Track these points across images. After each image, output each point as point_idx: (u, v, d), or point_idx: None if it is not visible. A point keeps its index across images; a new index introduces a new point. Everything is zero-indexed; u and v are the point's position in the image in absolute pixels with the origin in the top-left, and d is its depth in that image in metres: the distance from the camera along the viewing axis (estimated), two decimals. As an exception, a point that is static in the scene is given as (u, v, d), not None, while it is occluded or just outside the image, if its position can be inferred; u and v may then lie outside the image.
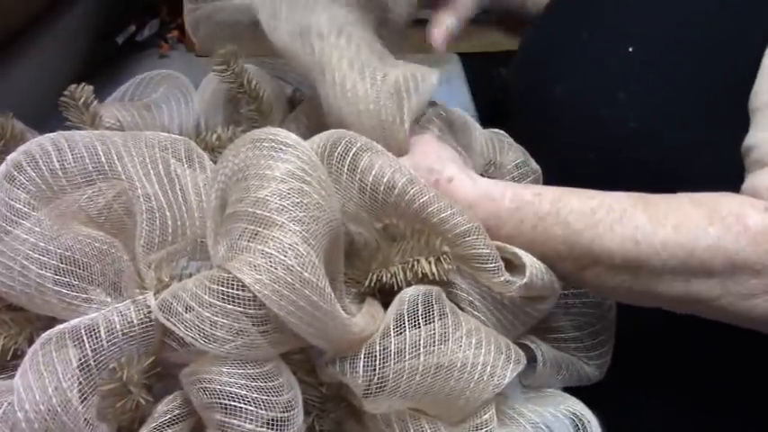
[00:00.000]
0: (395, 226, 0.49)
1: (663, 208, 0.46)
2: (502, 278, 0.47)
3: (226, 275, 0.39)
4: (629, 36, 0.59)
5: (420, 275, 0.47)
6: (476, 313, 0.49)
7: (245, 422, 0.39)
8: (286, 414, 0.40)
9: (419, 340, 0.43)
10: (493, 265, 0.47)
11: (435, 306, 0.45)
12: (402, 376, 0.42)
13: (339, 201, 0.48)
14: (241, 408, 0.38)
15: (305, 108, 0.73)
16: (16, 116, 0.62)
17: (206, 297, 0.39)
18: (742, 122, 0.51)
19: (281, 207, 0.40)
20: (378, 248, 0.50)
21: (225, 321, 0.39)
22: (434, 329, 0.43)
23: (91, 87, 0.63)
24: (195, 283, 0.40)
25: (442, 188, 0.50)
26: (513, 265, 0.49)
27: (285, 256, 0.39)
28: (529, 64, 0.72)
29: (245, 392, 0.39)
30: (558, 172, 0.62)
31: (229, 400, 0.38)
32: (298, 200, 0.41)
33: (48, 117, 0.63)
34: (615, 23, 0.61)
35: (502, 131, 0.64)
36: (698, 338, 0.60)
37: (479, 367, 0.44)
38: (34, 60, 0.76)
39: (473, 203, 0.49)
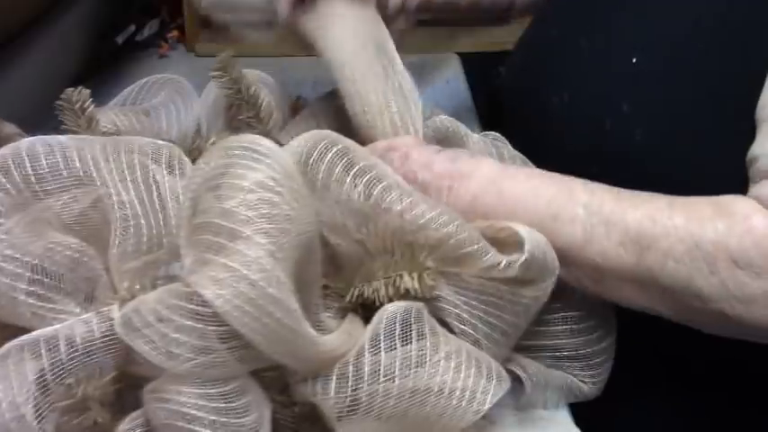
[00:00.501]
0: (369, 237, 0.47)
1: (682, 200, 0.46)
2: (501, 264, 0.44)
3: (187, 290, 0.37)
4: (632, 46, 0.57)
5: (402, 291, 0.44)
6: (462, 326, 0.46)
7: (201, 444, 0.37)
8: (247, 437, 0.38)
9: (395, 362, 0.41)
10: (487, 256, 0.44)
11: (414, 326, 0.43)
12: (375, 399, 0.40)
13: (317, 210, 0.45)
14: (196, 431, 0.36)
15: (315, 108, 0.71)
16: (16, 116, 0.62)
17: (166, 312, 0.37)
18: (750, 134, 0.49)
19: (248, 218, 0.38)
20: (360, 262, 0.48)
21: (186, 338, 0.37)
22: (411, 351, 0.41)
23: (88, 91, 0.62)
24: (156, 298, 0.38)
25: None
26: (507, 246, 0.46)
27: (249, 271, 0.37)
28: (524, 68, 0.70)
29: (202, 414, 0.37)
30: None
31: (185, 421, 0.37)
32: (266, 211, 0.39)
33: (48, 117, 0.62)
34: (616, 31, 0.59)
35: (500, 136, 0.62)
36: (698, 340, 0.57)
37: (458, 392, 0.41)
38: (34, 60, 0.75)
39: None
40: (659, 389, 0.63)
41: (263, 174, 0.40)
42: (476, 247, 0.44)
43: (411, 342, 0.42)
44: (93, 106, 0.63)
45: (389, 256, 0.46)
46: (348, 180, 0.45)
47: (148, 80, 0.72)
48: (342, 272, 0.49)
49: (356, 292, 0.46)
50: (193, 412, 0.37)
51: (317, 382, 0.41)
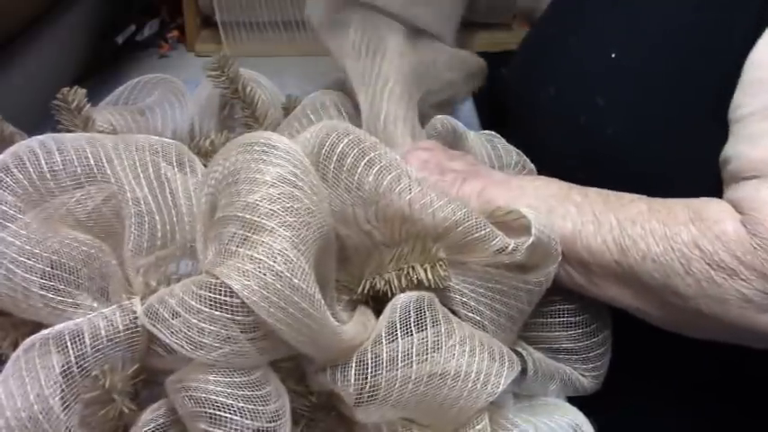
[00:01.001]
0: (379, 227, 0.48)
1: (660, 203, 0.49)
2: (509, 247, 0.46)
3: (214, 281, 0.38)
4: (612, 42, 0.59)
5: (416, 282, 0.46)
6: (470, 314, 0.48)
7: (230, 432, 0.38)
8: (273, 424, 0.39)
9: (411, 348, 0.42)
10: (496, 241, 0.46)
11: (428, 313, 0.44)
12: (394, 385, 0.42)
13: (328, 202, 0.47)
14: (227, 417, 0.37)
15: (308, 106, 0.72)
16: (16, 116, 0.62)
17: (193, 303, 0.38)
18: (721, 133, 0.51)
19: (271, 212, 0.39)
20: (369, 254, 0.49)
21: (212, 328, 0.38)
22: (427, 337, 0.43)
23: (84, 91, 0.63)
24: (182, 289, 0.39)
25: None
26: (511, 232, 0.48)
27: (274, 262, 0.38)
28: (521, 68, 0.72)
29: (231, 401, 0.38)
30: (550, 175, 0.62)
31: (215, 409, 0.38)
32: (288, 204, 0.40)
33: (48, 117, 0.63)
34: (600, 28, 0.61)
35: (494, 133, 0.64)
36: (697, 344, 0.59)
37: (473, 375, 0.43)
38: (34, 60, 0.75)
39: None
40: (658, 392, 0.65)
41: (284, 168, 0.41)
42: (483, 232, 0.46)
43: (426, 329, 0.43)
44: (89, 105, 0.63)
45: (400, 247, 0.47)
46: (359, 169, 0.46)
47: (141, 79, 0.72)
48: (348, 264, 0.50)
49: (367, 285, 0.47)
50: (222, 399, 0.38)
51: (336, 370, 0.42)
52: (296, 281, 0.38)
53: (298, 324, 0.38)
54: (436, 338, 0.43)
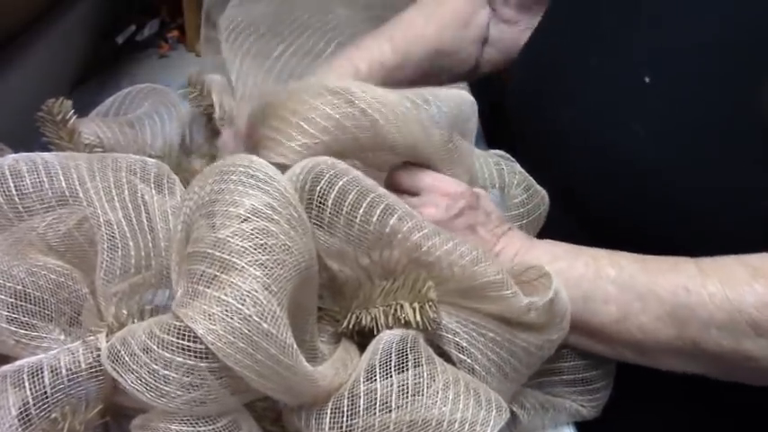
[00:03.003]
0: (378, 265, 0.46)
1: (711, 263, 0.46)
2: (523, 302, 0.44)
3: (178, 324, 0.36)
4: (643, 64, 0.54)
5: (403, 322, 0.43)
6: (461, 356, 0.45)
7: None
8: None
9: (390, 393, 0.40)
10: (509, 290, 0.44)
11: (410, 355, 0.42)
12: (372, 433, 0.39)
13: (320, 237, 0.44)
14: (188, 469, 0.35)
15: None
16: (16, 116, 0.60)
17: (155, 347, 0.36)
18: (762, 158, 0.48)
19: (242, 249, 0.37)
20: (359, 287, 0.47)
21: (175, 375, 0.36)
22: (407, 380, 0.40)
23: (69, 102, 0.61)
24: (145, 331, 0.37)
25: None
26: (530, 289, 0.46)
27: (243, 305, 0.35)
28: (530, 83, 0.67)
29: (194, 452, 0.36)
30: (564, 200, 0.59)
31: (175, 459, 0.35)
32: (262, 241, 0.37)
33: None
34: (627, 50, 0.56)
35: (506, 154, 0.61)
36: None
37: (456, 425, 0.40)
38: (34, 60, 0.74)
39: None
40: (655, 404, 0.63)
41: (259, 200, 0.39)
42: (500, 276, 0.43)
43: (406, 370, 0.41)
44: (74, 118, 0.61)
45: (390, 282, 0.45)
46: (363, 208, 0.44)
47: (132, 89, 0.70)
48: (338, 295, 0.48)
49: (353, 319, 0.45)
50: (185, 450, 0.35)
51: (311, 415, 0.40)
52: (265, 325, 0.35)
53: (267, 371, 0.36)
54: (417, 381, 0.40)
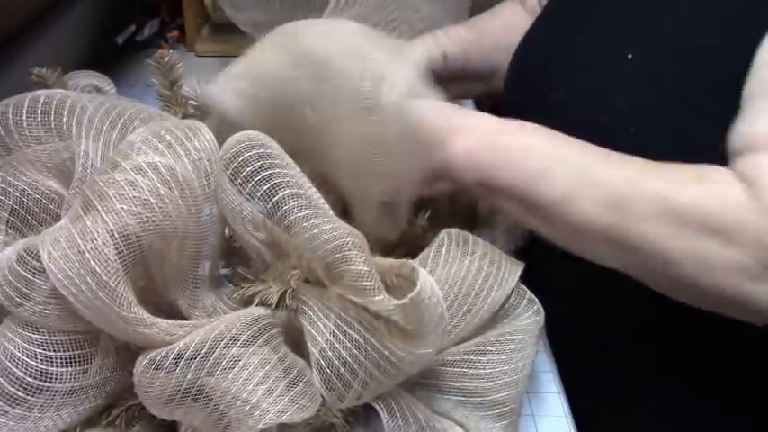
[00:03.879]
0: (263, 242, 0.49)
1: (663, 165, 0.48)
2: (378, 297, 0.43)
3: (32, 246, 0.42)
4: (627, 43, 0.58)
5: (269, 302, 0.46)
6: (311, 347, 0.46)
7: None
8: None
9: (219, 362, 0.43)
10: (369, 282, 0.43)
11: (250, 333, 0.44)
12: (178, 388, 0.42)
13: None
14: None
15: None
16: None
17: (14, 263, 0.42)
18: None
19: (104, 194, 0.42)
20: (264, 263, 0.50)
21: (17, 285, 0.42)
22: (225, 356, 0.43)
23: (177, 57, 0.70)
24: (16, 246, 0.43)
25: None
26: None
27: (81, 240, 0.41)
28: (522, 69, 0.71)
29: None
30: None
31: None
32: (125, 192, 0.42)
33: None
34: (611, 30, 0.61)
35: None
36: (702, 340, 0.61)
37: (248, 407, 0.42)
38: (34, 60, 0.75)
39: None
40: (659, 393, 0.65)
41: (166, 161, 0.44)
42: (365, 268, 0.43)
43: (247, 346, 0.44)
44: (180, 70, 0.70)
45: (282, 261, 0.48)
46: (255, 180, 0.46)
47: None
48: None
49: (241, 290, 0.49)
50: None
51: (144, 355, 0.43)
52: (93, 263, 0.40)
53: (88, 302, 0.40)
54: (238, 358, 0.43)
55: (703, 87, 0.54)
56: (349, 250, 0.44)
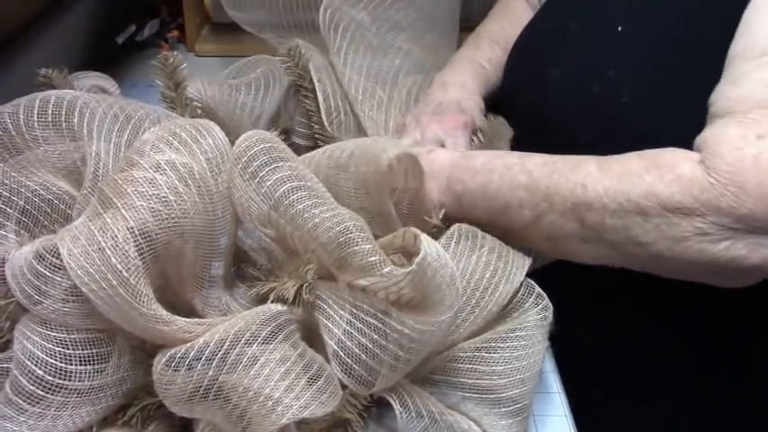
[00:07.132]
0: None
1: (611, 161, 0.51)
2: (386, 269, 0.43)
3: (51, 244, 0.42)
4: (616, 17, 0.61)
5: (285, 299, 0.46)
6: (327, 339, 0.46)
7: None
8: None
9: (239, 359, 0.43)
10: (375, 257, 0.44)
11: (269, 330, 0.44)
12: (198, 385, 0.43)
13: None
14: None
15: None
16: None
17: (33, 261, 0.42)
18: None
19: (124, 192, 0.42)
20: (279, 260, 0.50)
21: (37, 283, 0.41)
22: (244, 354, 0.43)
23: (182, 57, 0.69)
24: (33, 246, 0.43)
25: (424, 158, 0.57)
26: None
27: (102, 237, 0.41)
28: (522, 57, 0.73)
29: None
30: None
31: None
32: (144, 189, 0.42)
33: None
34: (602, 7, 0.63)
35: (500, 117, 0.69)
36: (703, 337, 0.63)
37: (261, 399, 0.42)
38: (34, 60, 0.76)
39: (452, 162, 0.57)
40: (657, 394, 0.66)
41: (182, 159, 0.44)
42: (368, 245, 0.44)
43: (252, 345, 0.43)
44: (184, 72, 0.69)
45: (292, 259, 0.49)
46: (261, 175, 0.47)
47: (249, 60, 0.77)
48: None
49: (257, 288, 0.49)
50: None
51: (162, 353, 0.43)
52: (113, 260, 0.40)
53: (108, 298, 0.40)
54: (257, 355, 0.43)
55: (691, 54, 0.56)
56: (351, 233, 0.45)
